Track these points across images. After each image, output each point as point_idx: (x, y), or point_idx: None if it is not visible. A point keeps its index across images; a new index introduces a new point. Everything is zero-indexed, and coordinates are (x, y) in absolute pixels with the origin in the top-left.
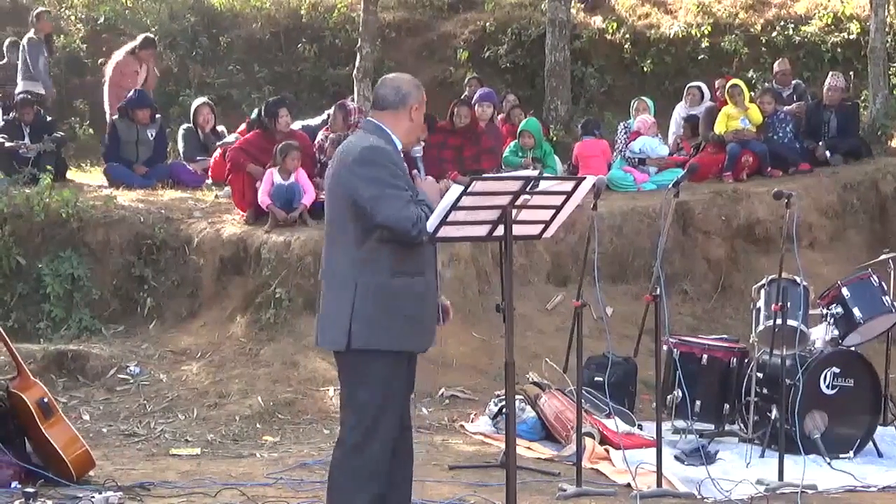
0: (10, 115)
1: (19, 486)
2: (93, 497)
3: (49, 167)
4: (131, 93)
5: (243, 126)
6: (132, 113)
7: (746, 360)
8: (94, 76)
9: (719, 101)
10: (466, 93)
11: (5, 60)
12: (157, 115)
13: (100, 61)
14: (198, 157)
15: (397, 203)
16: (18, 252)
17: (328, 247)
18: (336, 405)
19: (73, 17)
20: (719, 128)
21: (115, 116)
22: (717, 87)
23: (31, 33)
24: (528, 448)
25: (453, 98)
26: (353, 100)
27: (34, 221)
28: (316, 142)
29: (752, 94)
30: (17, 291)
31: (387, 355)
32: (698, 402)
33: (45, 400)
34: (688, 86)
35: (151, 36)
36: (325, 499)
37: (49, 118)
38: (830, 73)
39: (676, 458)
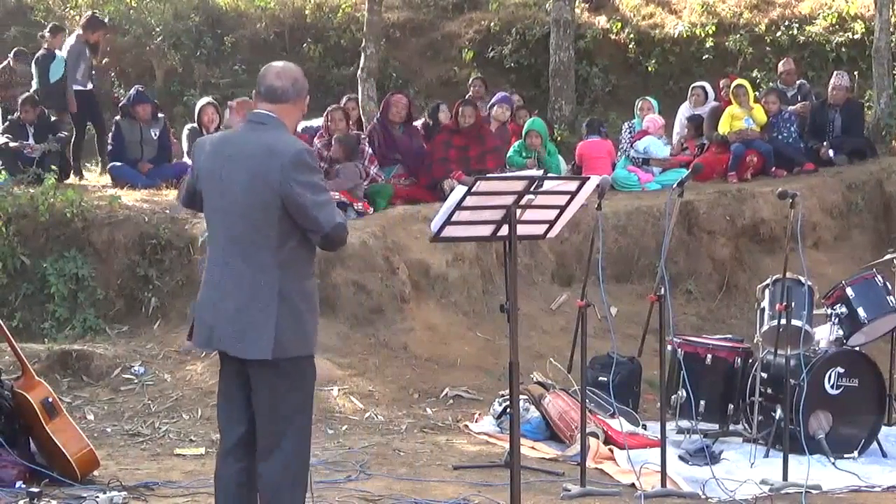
0: (15, 114)
1: (24, 485)
2: (97, 497)
3: (53, 167)
4: (131, 90)
5: None
6: (133, 110)
7: (751, 360)
8: (100, 76)
9: (724, 101)
10: (471, 93)
11: (6, 63)
12: (161, 115)
13: (104, 61)
14: None
15: (334, 209)
16: (23, 252)
17: (236, 247)
18: (340, 405)
19: (77, 17)
20: (723, 128)
21: (118, 116)
22: (721, 87)
23: (72, 39)
24: (533, 448)
25: (457, 98)
26: (351, 98)
27: (39, 221)
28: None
29: (757, 93)
30: (22, 291)
31: (309, 359)
32: (702, 402)
33: (50, 400)
34: (692, 86)
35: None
36: None
37: (53, 118)
38: (835, 72)
39: (681, 457)
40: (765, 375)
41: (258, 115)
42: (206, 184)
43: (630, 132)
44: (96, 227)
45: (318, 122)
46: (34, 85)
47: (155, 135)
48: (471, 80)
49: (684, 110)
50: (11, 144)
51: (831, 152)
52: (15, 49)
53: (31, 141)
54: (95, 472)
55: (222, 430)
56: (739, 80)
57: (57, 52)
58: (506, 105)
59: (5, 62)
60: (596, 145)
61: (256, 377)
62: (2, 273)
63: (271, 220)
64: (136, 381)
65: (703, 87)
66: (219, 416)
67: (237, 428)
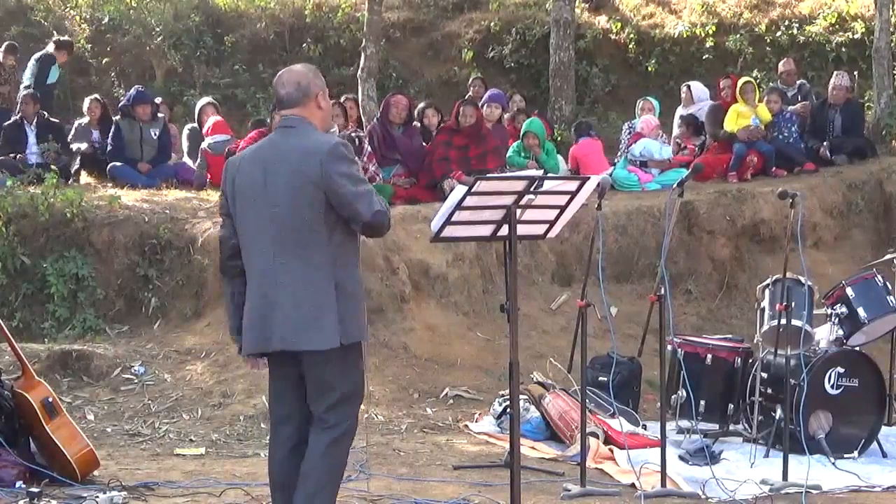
0: (17, 115)
1: (24, 485)
2: (97, 497)
3: (53, 167)
4: (132, 90)
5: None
6: (133, 110)
7: (751, 360)
8: (100, 76)
9: (723, 101)
10: (471, 93)
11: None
12: (160, 114)
13: (104, 61)
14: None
15: (374, 198)
16: (23, 252)
17: (288, 248)
18: None
19: (77, 18)
20: (729, 125)
21: (118, 116)
22: (721, 86)
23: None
24: (533, 448)
25: (458, 98)
26: (349, 98)
27: (39, 221)
28: None
29: (758, 93)
30: (22, 291)
31: (361, 344)
32: (703, 402)
33: (50, 400)
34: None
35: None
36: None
37: (53, 119)
38: (835, 72)
39: (681, 457)
40: (765, 375)
41: (285, 121)
42: (245, 195)
43: (630, 132)
44: (96, 227)
45: None
46: (26, 80)
47: (154, 135)
48: (471, 80)
49: (679, 110)
50: (11, 155)
51: (829, 152)
52: (6, 43)
53: (32, 140)
54: (95, 472)
55: (274, 425)
56: (747, 78)
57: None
58: (496, 103)
59: None
60: (588, 146)
61: (317, 368)
62: (2, 273)
63: (319, 216)
64: (136, 381)
65: (688, 86)
66: (271, 412)
67: (288, 423)
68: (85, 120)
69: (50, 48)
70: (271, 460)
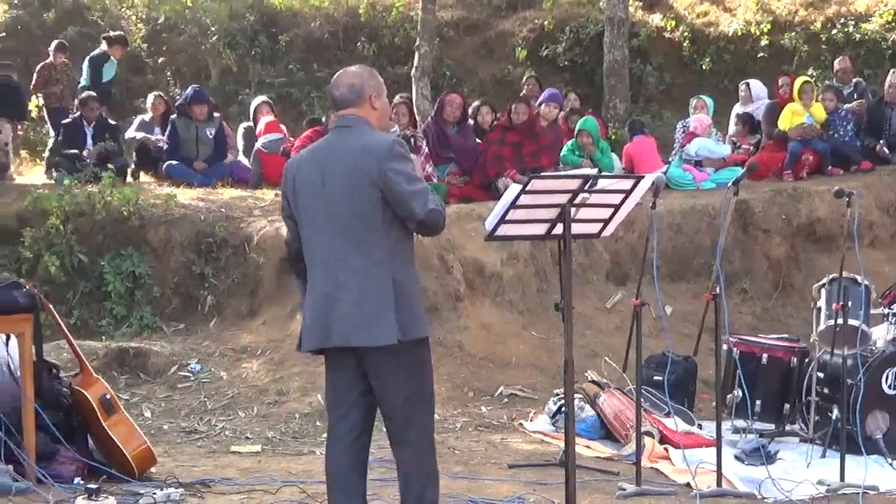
0: (77, 113)
1: (82, 481)
2: (154, 493)
3: (110, 165)
4: (188, 90)
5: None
6: (189, 110)
7: (807, 360)
8: (155, 76)
9: (781, 99)
10: (525, 91)
11: (48, 61)
12: (216, 114)
13: (160, 60)
14: None
15: (429, 196)
16: (81, 250)
17: (348, 246)
18: None
19: (133, 17)
20: (784, 124)
21: (174, 115)
22: (779, 84)
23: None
24: (588, 447)
25: (511, 96)
26: (403, 97)
27: (96, 220)
28: None
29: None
30: (80, 289)
31: (426, 341)
32: (758, 402)
33: (108, 397)
34: (739, 84)
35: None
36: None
37: (112, 121)
38: (892, 70)
39: (736, 457)
40: (821, 375)
41: (342, 120)
42: (305, 195)
43: (683, 131)
44: (153, 226)
45: None
46: (83, 81)
47: (210, 134)
48: (525, 78)
49: (736, 108)
50: (67, 152)
51: (887, 150)
52: (56, 41)
53: (89, 141)
54: (152, 469)
55: (332, 420)
56: (805, 78)
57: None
58: (554, 103)
59: (48, 60)
60: (642, 144)
61: (379, 365)
62: (60, 271)
63: (376, 214)
64: (192, 378)
65: (746, 84)
66: (328, 408)
67: (346, 419)
68: (147, 115)
69: (103, 46)
70: (329, 456)
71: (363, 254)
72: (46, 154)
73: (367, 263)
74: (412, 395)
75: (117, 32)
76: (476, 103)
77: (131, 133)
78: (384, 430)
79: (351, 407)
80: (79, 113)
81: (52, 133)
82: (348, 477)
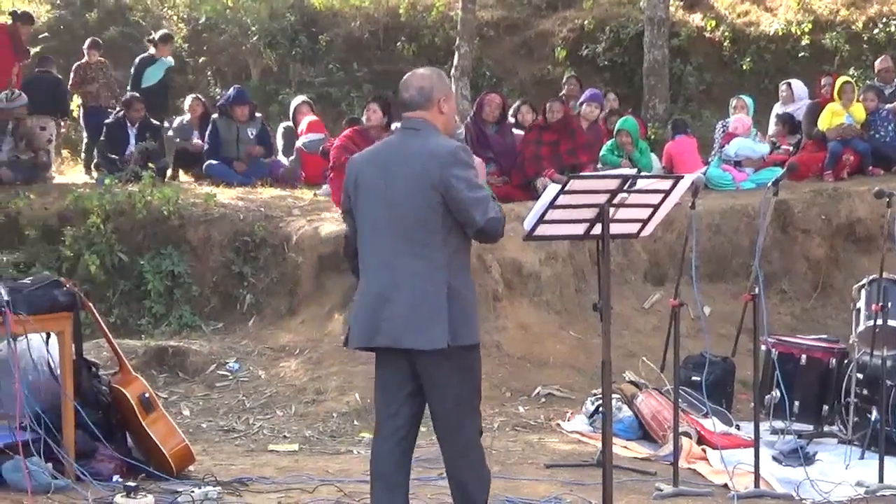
0: (120, 113)
1: (121, 479)
2: (192, 491)
3: (151, 165)
4: (230, 90)
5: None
6: (231, 110)
7: (846, 361)
8: (196, 76)
9: (823, 99)
10: (564, 91)
11: (84, 60)
12: (258, 114)
13: (200, 60)
14: None
15: (490, 204)
16: (121, 249)
17: (405, 248)
18: None
19: (175, 17)
20: (823, 124)
21: (216, 115)
22: (822, 84)
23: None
24: (625, 447)
25: (551, 96)
26: None
27: (136, 219)
28: None
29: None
30: (120, 288)
31: (477, 347)
32: (797, 403)
33: (146, 395)
34: (780, 84)
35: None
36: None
37: (154, 121)
38: None
39: (774, 458)
40: (860, 376)
41: (409, 122)
42: (367, 193)
43: (723, 131)
44: (192, 225)
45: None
46: (130, 84)
47: (251, 134)
48: (565, 78)
49: (777, 108)
50: (110, 155)
51: None
52: (90, 39)
53: (132, 140)
54: (191, 467)
55: (380, 419)
56: (846, 78)
57: (161, 57)
58: (595, 103)
59: (83, 59)
60: (684, 143)
61: (430, 368)
62: (100, 270)
63: (436, 219)
64: (230, 377)
65: (788, 84)
66: (377, 406)
67: (395, 418)
68: (186, 117)
69: (151, 50)
70: (374, 453)
71: (420, 257)
72: (83, 153)
73: (423, 267)
74: (462, 400)
75: (161, 31)
76: (517, 103)
77: (169, 135)
78: (422, 429)
79: (401, 406)
80: (122, 113)
81: (85, 132)
82: (393, 476)
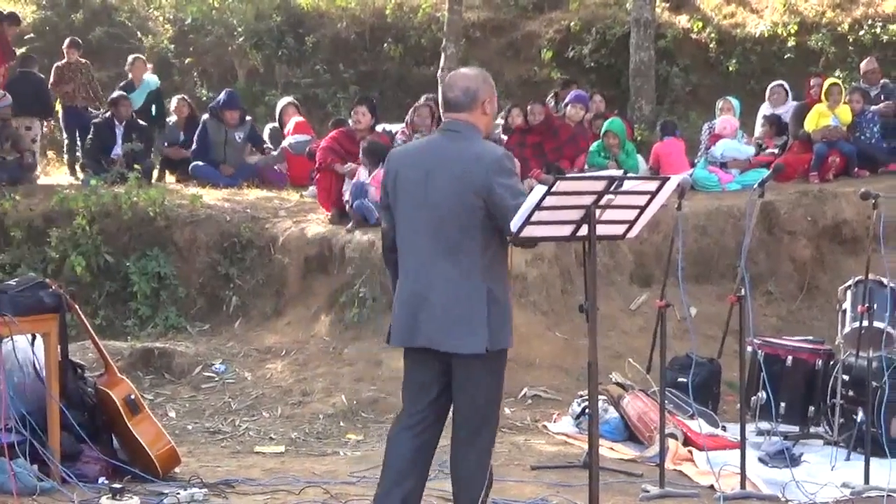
0: (107, 113)
1: (106, 481)
2: (178, 493)
3: (137, 166)
4: (222, 94)
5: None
6: (221, 114)
7: (832, 362)
8: (182, 76)
9: (810, 100)
10: (555, 93)
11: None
12: (248, 118)
13: (186, 61)
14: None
15: None
16: (106, 250)
17: (443, 251)
18: None
19: (160, 18)
20: (810, 125)
21: (206, 115)
22: (811, 85)
23: None
24: (611, 449)
25: (537, 97)
26: (430, 98)
27: (122, 220)
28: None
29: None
30: (105, 289)
31: (506, 351)
32: (783, 404)
33: (132, 397)
34: (771, 85)
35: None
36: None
37: (141, 122)
38: None
39: (760, 459)
40: (846, 377)
41: (451, 124)
42: (406, 192)
43: (709, 132)
44: (178, 227)
45: (396, 126)
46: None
47: (239, 138)
48: (558, 80)
49: (763, 110)
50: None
51: None
52: (69, 38)
53: (119, 140)
54: (176, 469)
55: (406, 412)
56: (833, 80)
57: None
58: (580, 104)
59: (63, 61)
60: (672, 145)
61: (466, 371)
62: (86, 271)
63: (476, 223)
64: (216, 379)
65: (781, 86)
66: (404, 395)
67: (421, 410)
68: (172, 119)
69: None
70: (391, 441)
71: (457, 260)
72: (65, 154)
73: (460, 269)
74: (490, 399)
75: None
76: (508, 107)
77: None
78: (490, 424)
79: (430, 404)
80: (109, 112)
81: (65, 133)
82: (405, 465)
